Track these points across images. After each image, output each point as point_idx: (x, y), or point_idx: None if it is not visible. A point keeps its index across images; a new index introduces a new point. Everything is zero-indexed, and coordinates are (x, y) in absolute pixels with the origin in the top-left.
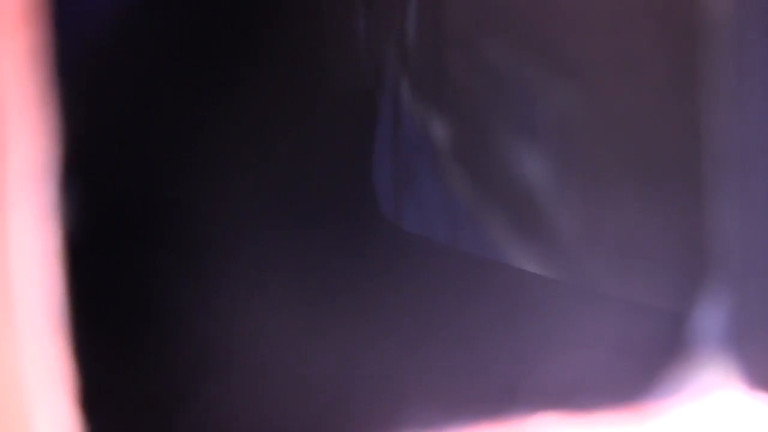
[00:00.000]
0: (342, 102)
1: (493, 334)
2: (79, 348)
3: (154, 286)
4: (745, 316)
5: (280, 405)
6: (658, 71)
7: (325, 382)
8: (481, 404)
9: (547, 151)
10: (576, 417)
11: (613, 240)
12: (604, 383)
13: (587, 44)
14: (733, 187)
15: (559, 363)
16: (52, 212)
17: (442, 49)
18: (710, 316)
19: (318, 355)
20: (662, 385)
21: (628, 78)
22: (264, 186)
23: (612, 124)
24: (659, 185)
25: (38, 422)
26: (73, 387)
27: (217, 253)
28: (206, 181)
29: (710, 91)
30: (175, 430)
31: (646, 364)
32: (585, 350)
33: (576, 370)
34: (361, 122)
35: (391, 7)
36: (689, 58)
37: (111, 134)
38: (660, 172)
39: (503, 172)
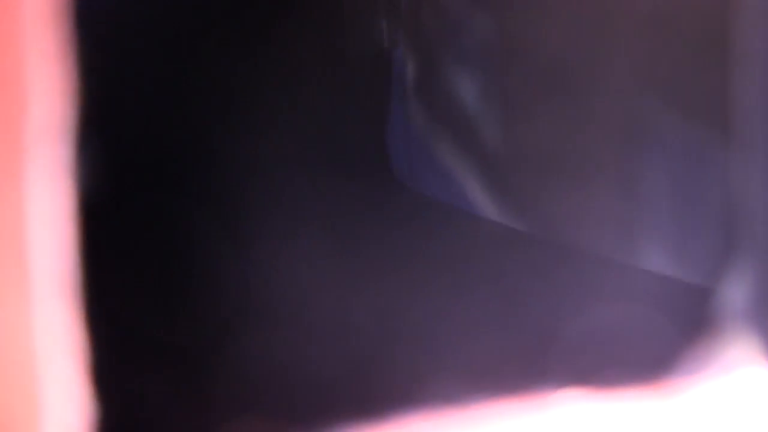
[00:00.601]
0: (361, 61)
1: (521, 307)
2: (97, 310)
3: (185, 240)
4: None
5: (316, 354)
6: (688, 29)
7: (361, 330)
8: (507, 377)
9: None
10: (600, 392)
11: (641, 211)
12: (629, 359)
13: None
14: (762, 162)
15: (584, 337)
16: (69, 171)
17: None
18: (736, 291)
19: (354, 304)
20: (687, 361)
21: (659, 38)
22: (292, 137)
23: (644, 87)
24: (686, 158)
25: (49, 391)
26: (85, 356)
27: (248, 203)
28: (234, 133)
29: (740, 62)
30: (211, 383)
31: (671, 340)
32: (610, 325)
33: (601, 345)
34: (378, 80)
35: None
36: (719, 17)
37: (136, 89)
38: (687, 145)
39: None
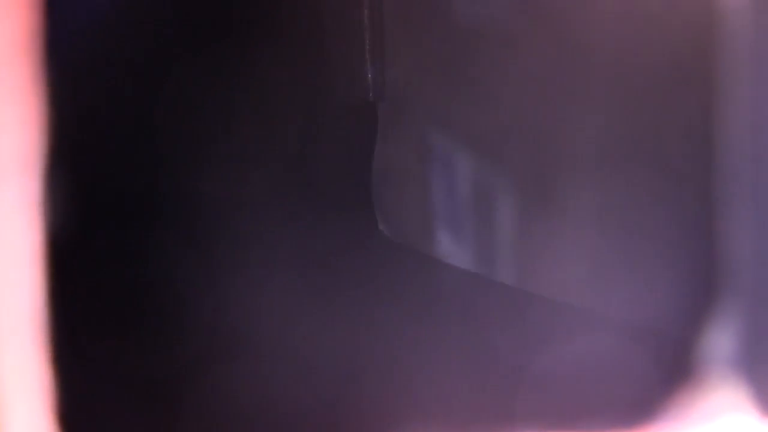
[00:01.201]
0: (344, 112)
1: (492, 352)
2: (62, 354)
3: (156, 274)
4: (757, 338)
5: (287, 391)
6: (666, 74)
7: (333, 366)
8: (476, 419)
9: (532, 162)
10: None
11: (620, 257)
12: (608, 407)
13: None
14: (746, 203)
15: (561, 386)
16: (38, 205)
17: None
18: (721, 337)
19: (326, 340)
20: (669, 409)
21: (633, 82)
22: (268, 172)
23: (614, 130)
24: (666, 199)
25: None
26: (52, 398)
27: (222, 237)
28: (209, 166)
29: (724, 100)
30: (179, 419)
31: (653, 387)
32: (588, 373)
33: (579, 394)
34: (361, 133)
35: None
36: (701, 59)
37: (106, 121)
38: (667, 184)
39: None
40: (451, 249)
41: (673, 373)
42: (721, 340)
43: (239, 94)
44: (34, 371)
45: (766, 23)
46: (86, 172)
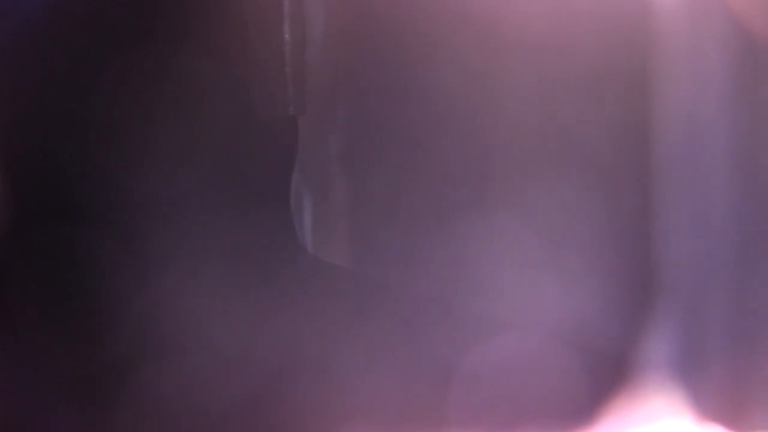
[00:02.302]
0: (265, 125)
1: (422, 343)
2: None
3: (88, 272)
4: (693, 343)
5: (216, 390)
6: (600, 72)
7: (262, 363)
8: (406, 415)
9: (465, 168)
10: None
11: (552, 260)
12: (544, 412)
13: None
14: (681, 204)
15: (495, 391)
16: None
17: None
18: (657, 342)
19: (255, 337)
20: (606, 413)
21: (565, 80)
22: (198, 172)
23: (545, 131)
24: (600, 201)
25: None
26: None
27: (152, 236)
28: (139, 166)
29: (658, 99)
30: (108, 417)
31: (590, 393)
32: (523, 377)
33: (515, 398)
34: (282, 146)
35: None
36: (635, 57)
37: (36, 123)
38: (600, 185)
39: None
40: (373, 257)
41: (609, 377)
42: (657, 344)
43: (167, 97)
44: None
45: (700, 20)
46: (14, 171)
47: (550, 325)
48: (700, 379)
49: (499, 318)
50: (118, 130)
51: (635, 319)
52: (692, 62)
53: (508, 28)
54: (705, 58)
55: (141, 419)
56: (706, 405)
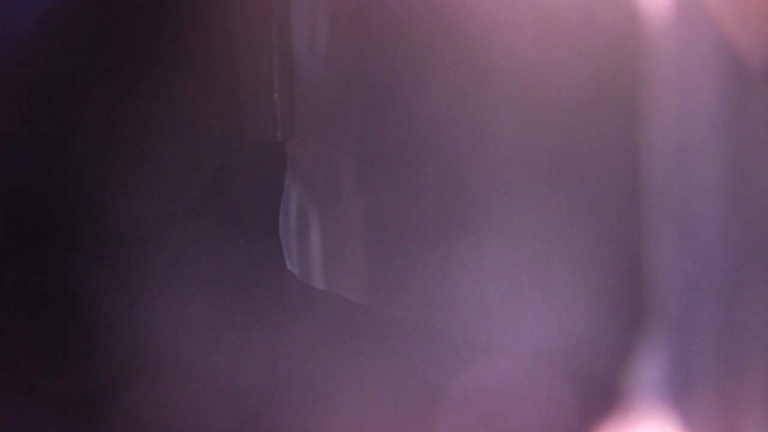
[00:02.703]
0: (253, 150)
1: (410, 364)
2: None
3: (76, 290)
4: (685, 366)
5: (204, 411)
6: (589, 89)
7: (250, 385)
8: None
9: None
10: None
11: (540, 281)
12: (535, 423)
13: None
14: (673, 228)
15: (483, 413)
16: None
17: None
18: (648, 365)
19: (243, 359)
20: (599, 429)
21: (554, 98)
22: (188, 196)
23: (534, 149)
24: (589, 221)
25: None
26: None
27: (141, 258)
28: (129, 188)
29: (650, 120)
30: None
31: (580, 415)
32: (512, 401)
33: (505, 424)
34: (270, 171)
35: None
36: (624, 75)
37: (26, 141)
38: (589, 205)
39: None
40: (361, 281)
41: (599, 401)
42: (646, 367)
43: (156, 120)
44: None
45: (689, 40)
46: (4, 192)
47: (538, 349)
48: (691, 402)
49: (487, 342)
50: (106, 152)
51: (625, 342)
52: (681, 82)
53: (498, 48)
54: (694, 78)
55: None
56: (696, 428)
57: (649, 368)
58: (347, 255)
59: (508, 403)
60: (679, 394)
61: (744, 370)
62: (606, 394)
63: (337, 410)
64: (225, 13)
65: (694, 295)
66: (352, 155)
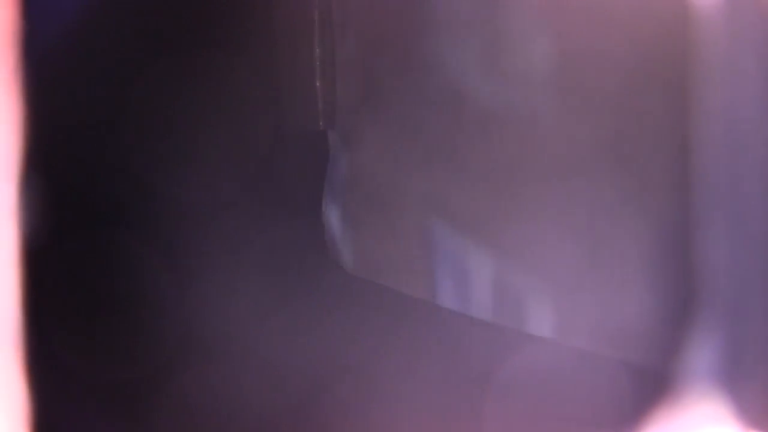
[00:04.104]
0: (296, 139)
1: (459, 350)
2: (39, 348)
3: (129, 274)
4: (736, 351)
5: (257, 395)
6: (647, 92)
7: (302, 368)
8: (445, 419)
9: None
10: None
11: (595, 268)
12: (590, 422)
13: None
14: (725, 217)
15: (539, 399)
16: (11, 210)
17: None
18: (702, 352)
19: (295, 342)
20: (650, 423)
21: (614, 98)
22: (238, 179)
23: (588, 138)
24: (641, 210)
25: None
26: (27, 402)
27: (192, 243)
28: (179, 174)
29: (698, 106)
30: (154, 421)
31: (634, 402)
32: (567, 387)
33: (560, 408)
34: (312, 159)
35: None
36: (674, 64)
37: (80, 128)
38: (641, 194)
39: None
40: (410, 267)
41: (652, 386)
42: (699, 352)
43: (203, 107)
44: (9, 378)
45: (739, 28)
46: (59, 177)
47: (591, 336)
48: (743, 387)
49: (539, 329)
50: (157, 139)
51: (677, 328)
52: (731, 70)
53: (546, 35)
54: (743, 66)
55: (180, 427)
56: (749, 412)
57: (701, 354)
58: (398, 243)
59: (561, 389)
60: (732, 379)
61: None
62: (659, 379)
63: (388, 397)
64: (267, 3)
65: (745, 282)
66: (399, 141)
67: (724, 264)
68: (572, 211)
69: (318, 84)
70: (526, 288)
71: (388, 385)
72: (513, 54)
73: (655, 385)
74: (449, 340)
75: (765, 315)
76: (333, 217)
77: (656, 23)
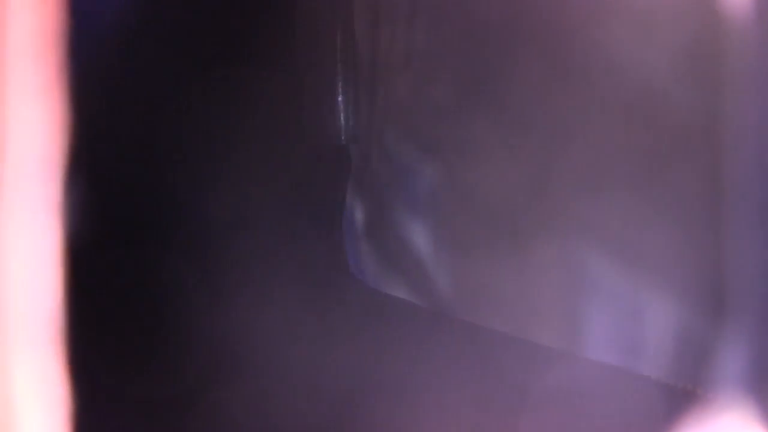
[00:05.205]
0: (318, 154)
1: (494, 364)
2: (77, 360)
3: (163, 288)
4: (765, 357)
5: (293, 406)
6: (669, 83)
7: (337, 383)
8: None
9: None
10: None
11: (624, 273)
12: (617, 425)
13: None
14: (755, 225)
15: (569, 398)
16: (55, 210)
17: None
18: (731, 356)
19: (330, 356)
20: (678, 427)
21: (637, 96)
22: (272, 194)
23: (621, 142)
24: (670, 215)
25: None
26: (67, 406)
27: (228, 256)
28: (217, 187)
29: (729, 109)
30: None
31: (664, 405)
32: (597, 392)
33: (588, 414)
34: (334, 175)
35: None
36: (705, 68)
37: (121, 130)
38: (678, 206)
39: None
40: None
41: (682, 392)
42: (728, 358)
43: (244, 115)
44: (50, 380)
45: None
46: (104, 183)
47: (622, 347)
48: None
49: (571, 341)
50: (191, 153)
51: (707, 336)
52: (762, 79)
53: (585, 45)
54: None
55: None
56: None
57: (729, 362)
58: (429, 256)
59: (592, 407)
60: (759, 385)
61: None
62: (687, 390)
63: (419, 411)
64: (289, 16)
65: None
66: (437, 152)
67: (753, 272)
68: (606, 223)
69: (340, 99)
70: (560, 298)
71: (421, 400)
72: (547, 63)
73: (683, 395)
74: (482, 355)
75: None
76: (354, 230)
77: (687, 31)
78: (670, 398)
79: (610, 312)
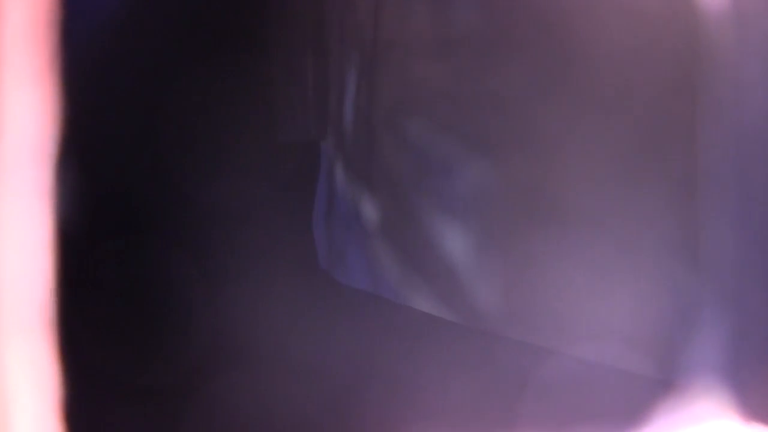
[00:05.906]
0: (287, 150)
1: (494, 352)
2: (68, 348)
3: (158, 278)
4: (740, 345)
5: (289, 395)
6: (654, 98)
7: (335, 372)
8: (477, 421)
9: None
10: None
11: (609, 263)
12: (596, 411)
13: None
14: (730, 215)
15: (553, 388)
16: (47, 198)
17: (373, 130)
18: (705, 345)
19: (328, 346)
20: (656, 414)
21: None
22: (270, 183)
23: (616, 138)
24: (655, 208)
25: (19, 428)
26: (58, 392)
27: (224, 245)
28: (213, 176)
29: (706, 107)
30: (183, 423)
31: (640, 394)
32: (576, 381)
33: (571, 401)
34: (304, 171)
35: (338, 72)
36: (683, 73)
37: (115, 121)
38: (654, 193)
39: (428, 248)
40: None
41: (657, 380)
42: (704, 346)
43: (239, 104)
44: (41, 366)
45: (745, 25)
46: (96, 170)
47: (602, 329)
48: (746, 381)
49: (571, 330)
50: (188, 145)
51: (682, 325)
52: (737, 74)
53: (582, 42)
54: (750, 70)
55: (214, 428)
56: (751, 406)
57: (704, 349)
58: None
59: (574, 385)
60: (735, 373)
61: None
62: (664, 372)
63: (417, 402)
64: (261, 14)
65: (748, 278)
66: (436, 145)
67: (728, 260)
68: (596, 207)
69: (310, 94)
70: (560, 288)
71: (419, 392)
72: (546, 60)
73: (660, 378)
74: (478, 351)
75: (767, 310)
76: (328, 226)
77: (665, 25)
78: (646, 387)
79: (592, 306)
